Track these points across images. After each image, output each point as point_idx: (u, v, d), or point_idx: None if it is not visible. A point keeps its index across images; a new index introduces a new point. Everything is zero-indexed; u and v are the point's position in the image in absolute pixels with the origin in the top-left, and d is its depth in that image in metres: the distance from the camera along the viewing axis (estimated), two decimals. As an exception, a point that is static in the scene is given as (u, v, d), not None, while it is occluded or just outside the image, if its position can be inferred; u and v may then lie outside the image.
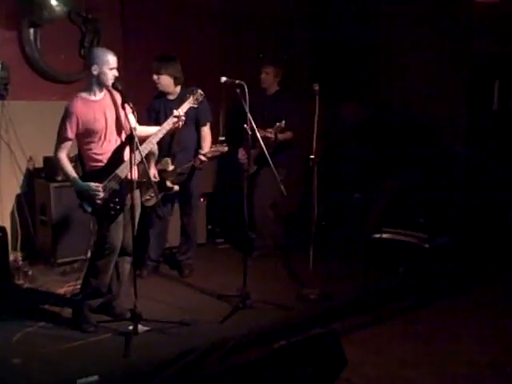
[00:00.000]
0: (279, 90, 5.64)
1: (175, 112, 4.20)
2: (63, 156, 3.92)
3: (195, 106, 4.38)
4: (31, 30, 5.24)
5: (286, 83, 5.64)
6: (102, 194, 3.87)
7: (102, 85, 3.92)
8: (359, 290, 4.97)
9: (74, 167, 4.04)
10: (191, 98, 4.32)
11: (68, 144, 3.93)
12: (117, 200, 3.93)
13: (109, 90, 3.95)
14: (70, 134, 3.89)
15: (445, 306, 4.90)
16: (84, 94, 3.96)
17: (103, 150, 3.95)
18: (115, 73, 3.92)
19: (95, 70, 3.88)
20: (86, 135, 3.92)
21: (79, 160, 4.12)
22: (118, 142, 4.00)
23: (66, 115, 3.89)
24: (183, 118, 4.21)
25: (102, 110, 3.94)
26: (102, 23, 5.59)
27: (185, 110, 4.27)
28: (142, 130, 4.13)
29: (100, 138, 3.94)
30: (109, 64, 3.88)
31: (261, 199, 5.59)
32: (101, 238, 4.01)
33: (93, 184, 3.86)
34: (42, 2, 4.97)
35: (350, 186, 6.66)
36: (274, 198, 5.56)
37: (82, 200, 3.93)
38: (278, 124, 5.09)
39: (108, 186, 3.91)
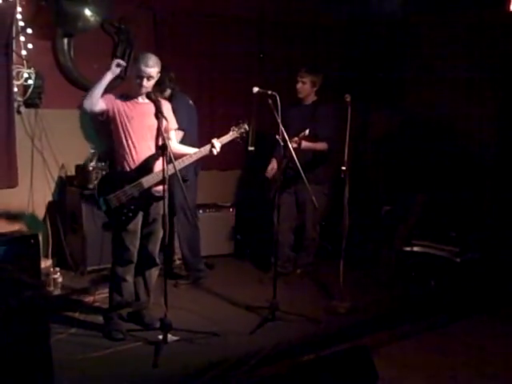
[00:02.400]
0: (317, 101, 5.31)
1: (213, 141, 4.06)
2: None
3: (238, 139, 4.20)
4: (65, 40, 5.32)
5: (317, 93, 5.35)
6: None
7: (134, 89, 3.94)
8: (389, 303, 4.92)
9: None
10: (235, 130, 4.17)
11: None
12: (132, 207, 3.93)
13: (152, 99, 3.91)
14: (104, 100, 3.88)
15: (476, 321, 4.83)
16: (130, 94, 4.01)
17: (133, 154, 3.95)
18: (144, 82, 3.86)
19: (131, 74, 3.97)
20: (119, 131, 3.93)
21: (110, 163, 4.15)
22: (151, 153, 4.00)
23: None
24: (218, 148, 4.08)
25: (140, 112, 3.95)
26: (135, 33, 5.64)
27: (225, 141, 4.12)
28: (179, 149, 4.15)
29: (131, 138, 3.93)
30: (136, 71, 3.88)
31: (314, 218, 5.37)
32: (116, 245, 4.05)
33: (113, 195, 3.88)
34: (76, 12, 5.03)
35: (378, 199, 6.60)
36: (323, 214, 5.43)
37: (100, 196, 3.92)
38: (302, 133, 4.83)
39: (129, 191, 3.91)
